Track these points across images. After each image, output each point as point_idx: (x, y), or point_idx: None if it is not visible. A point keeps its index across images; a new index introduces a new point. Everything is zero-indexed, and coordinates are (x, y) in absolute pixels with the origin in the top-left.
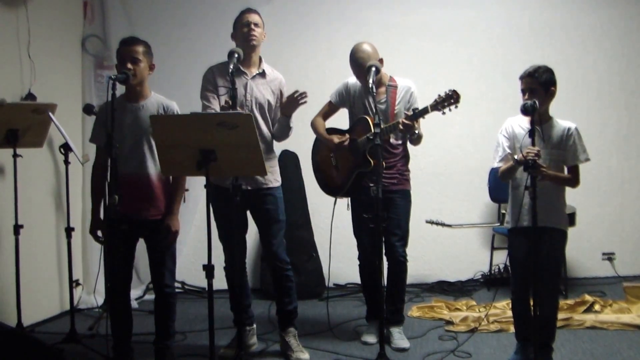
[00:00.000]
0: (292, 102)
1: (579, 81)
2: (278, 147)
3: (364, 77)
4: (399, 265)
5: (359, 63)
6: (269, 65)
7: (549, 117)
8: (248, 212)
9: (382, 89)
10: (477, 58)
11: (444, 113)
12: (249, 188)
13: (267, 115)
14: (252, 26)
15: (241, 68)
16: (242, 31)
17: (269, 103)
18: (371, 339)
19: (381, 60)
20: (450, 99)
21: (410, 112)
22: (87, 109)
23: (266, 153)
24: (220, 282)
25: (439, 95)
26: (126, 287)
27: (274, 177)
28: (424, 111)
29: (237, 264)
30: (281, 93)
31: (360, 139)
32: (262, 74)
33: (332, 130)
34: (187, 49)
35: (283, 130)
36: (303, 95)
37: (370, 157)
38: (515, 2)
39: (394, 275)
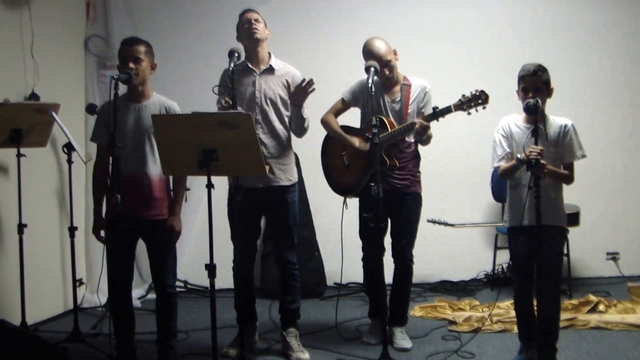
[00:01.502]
0: (300, 91)
1: (583, 80)
2: None
3: (382, 69)
4: (406, 268)
5: (373, 52)
6: (280, 60)
7: (545, 115)
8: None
9: (397, 88)
10: (478, 57)
11: (469, 113)
12: (260, 186)
13: (281, 110)
14: (253, 21)
15: (249, 66)
16: (244, 28)
17: (281, 98)
18: (374, 339)
19: (395, 52)
20: (477, 99)
21: (430, 112)
22: (90, 109)
23: (279, 150)
24: (222, 281)
25: (464, 95)
26: (128, 287)
27: (285, 176)
28: (447, 110)
29: (246, 264)
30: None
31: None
32: (270, 69)
33: (346, 129)
34: (188, 49)
35: (297, 123)
36: (310, 83)
37: (386, 157)
38: (517, 0)
39: (399, 277)
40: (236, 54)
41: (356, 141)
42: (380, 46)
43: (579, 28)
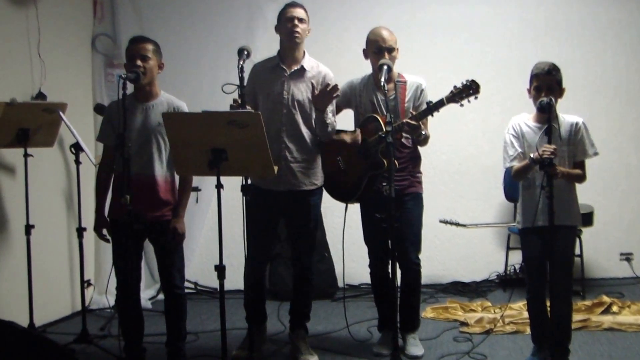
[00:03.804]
0: (323, 95)
1: (597, 78)
2: None
3: (382, 52)
4: (413, 272)
5: (376, 34)
6: (314, 60)
7: (556, 114)
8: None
9: (391, 85)
10: (491, 55)
11: (462, 105)
12: (282, 189)
13: (309, 113)
14: (296, 22)
15: (281, 65)
16: (287, 26)
17: (310, 100)
18: (384, 350)
19: (397, 50)
20: (468, 90)
21: (421, 109)
22: (98, 109)
23: (303, 153)
24: (232, 282)
25: (455, 86)
26: (136, 288)
27: (309, 180)
28: (440, 104)
29: (260, 265)
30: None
31: (371, 138)
32: (301, 70)
33: (339, 132)
34: (196, 47)
35: (321, 128)
36: (335, 88)
37: (383, 158)
38: None
39: (407, 282)
40: (245, 52)
41: (346, 137)
42: (385, 32)
43: (593, 25)
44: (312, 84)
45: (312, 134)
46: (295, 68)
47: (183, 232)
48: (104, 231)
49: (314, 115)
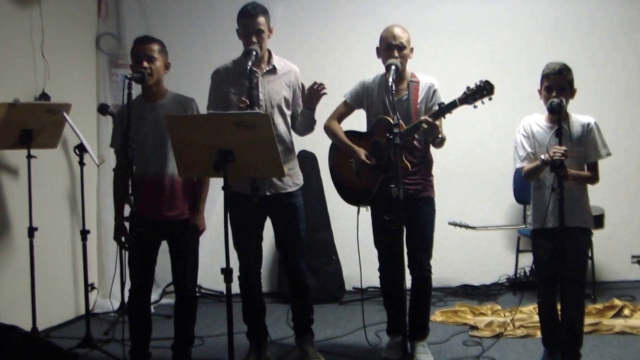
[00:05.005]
0: (313, 93)
1: (607, 78)
2: (295, 146)
3: (393, 49)
4: (424, 279)
5: (388, 30)
6: (279, 58)
7: (567, 114)
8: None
9: (404, 85)
10: (500, 55)
11: (475, 106)
12: (267, 194)
13: (285, 112)
14: (253, 38)
15: (252, 68)
16: (243, 39)
17: (285, 99)
18: (393, 354)
19: (411, 50)
20: (482, 91)
21: (436, 109)
22: (102, 109)
23: (285, 154)
24: (237, 285)
25: (468, 87)
26: (147, 291)
27: (292, 181)
28: (452, 105)
29: (253, 273)
30: (298, 85)
31: (383, 141)
32: (273, 70)
33: (352, 134)
34: (202, 46)
35: (307, 124)
36: (321, 86)
37: (395, 160)
38: None
39: (418, 289)
40: (254, 53)
41: (362, 153)
42: (397, 29)
43: (604, 25)
44: (297, 84)
45: (289, 132)
46: (267, 69)
47: (204, 228)
48: (123, 239)
49: (288, 112)
